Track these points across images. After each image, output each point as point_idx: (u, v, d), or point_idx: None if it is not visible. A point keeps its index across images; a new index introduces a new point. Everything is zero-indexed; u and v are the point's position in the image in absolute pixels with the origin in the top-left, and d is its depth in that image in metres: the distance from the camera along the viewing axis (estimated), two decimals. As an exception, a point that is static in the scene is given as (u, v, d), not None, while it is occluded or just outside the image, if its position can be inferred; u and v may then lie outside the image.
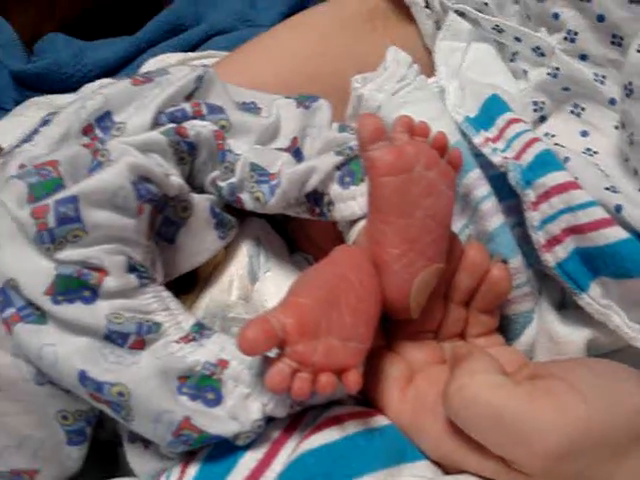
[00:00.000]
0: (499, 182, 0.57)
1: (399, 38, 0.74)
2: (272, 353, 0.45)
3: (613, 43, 0.57)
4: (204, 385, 0.47)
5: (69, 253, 0.46)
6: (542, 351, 0.57)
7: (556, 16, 0.61)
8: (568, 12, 0.60)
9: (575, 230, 0.52)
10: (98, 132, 0.55)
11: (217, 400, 0.47)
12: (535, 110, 0.63)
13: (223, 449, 0.47)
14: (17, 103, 1.06)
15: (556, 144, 0.59)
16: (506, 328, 0.57)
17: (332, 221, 0.56)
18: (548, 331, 0.56)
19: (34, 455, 0.52)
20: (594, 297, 0.52)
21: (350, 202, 0.53)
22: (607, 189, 0.52)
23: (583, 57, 0.60)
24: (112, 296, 0.47)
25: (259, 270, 0.58)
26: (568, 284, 0.53)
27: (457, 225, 0.57)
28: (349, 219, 0.54)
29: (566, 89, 0.62)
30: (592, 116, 0.60)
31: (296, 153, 0.58)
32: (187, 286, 0.57)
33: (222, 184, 0.56)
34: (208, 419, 0.46)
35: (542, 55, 0.63)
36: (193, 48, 1.06)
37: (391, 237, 0.48)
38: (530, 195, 0.53)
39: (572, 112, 0.63)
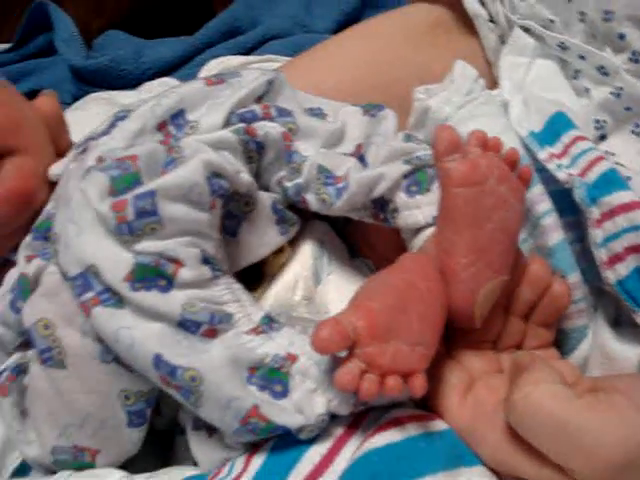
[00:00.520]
0: (560, 198, 0.58)
1: (461, 50, 0.75)
2: (341, 352, 0.47)
3: (679, 66, 0.58)
4: (272, 377, 0.49)
5: (147, 245, 0.49)
6: (595, 366, 0.58)
7: (622, 36, 0.62)
8: (634, 33, 0.61)
9: (637, 249, 0.53)
10: (172, 129, 0.57)
11: (284, 393, 0.49)
12: (596, 128, 0.64)
13: (287, 443, 0.49)
14: (75, 97, 1.10)
15: (616, 163, 0.60)
16: (561, 342, 0.58)
17: (394, 228, 0.58)
18: (602, 347, 0.57)
19: (95, 435, 0.54)
20: (652, 315, 0.53)
21: (415, 211, 0.55)
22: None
23: (647, 78, 0.61)
24: (187, 286, 0.49)
25: (322, 272, 0.60)
26: (627, 302, 0.54)
27: (517, 238, 0.58)
28: (413, 227, 0.55)
29: (628, 109, 0.63)
30: (653, 136, 0.61)
31: (360, 160, 0.59)
32: (253, 283, 0.58)
33: (288, 184, 0.58)
34: (275, 409, 0.48)
35: (606, 74, 0.64)
36: (249, 51, 1.08)
37: (460, 247, 0.49)
38: (594, 212, 0.55)
39: (633, 132, 0.64)
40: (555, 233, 0.56)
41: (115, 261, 0.48)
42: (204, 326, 0.49)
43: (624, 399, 0.45)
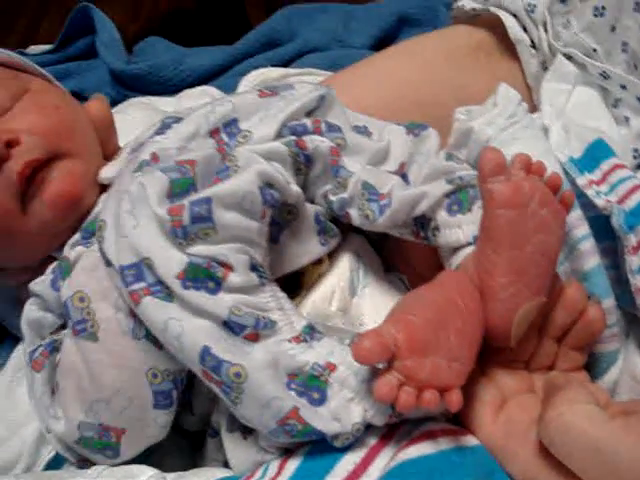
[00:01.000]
0: (597, 224, 0.59)
1: (501, 73, 0.76)
2: (379, 364, 0.48)
3: None
4: (311, 384, 0.50)
5: (200, 248, 0.51)
6: (624, 390, 0.59)
7: (663, 68, 0.63)
8: (675, 65, 0.62)
9: (673, 278, 0.54)
10: (224, 136, 0.59)
11: (321, 400, 0.50)
12: (635, 157, 0.65)
13: (322, 449, 0.50)
14: (113, 100, 1.11)
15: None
16: (592, 365, 0.59)
17: (432, 245, 0.59)
18: (632, 372, 0.58)
19: (121, 413, 0.55)
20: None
21: (456, 229, 0.56)
22: None
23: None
24: (234, 291, 0.51)
25: (358, 285, 0.61)
26: (661, 329, 0.55)
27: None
28: (453, 246, 0.57)
29: (667, 140, 0.64)
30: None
31: (402, 177, 0.61)
32: (291, 292, 0.59)
33: (333, 198, 0.59)
34: (314, 414, 0.49)
35: (646, 104, 0.65)
36: (287, 63, 1.10)
37: (500, 267, 0.50)
38: (631, 240, 0.55)
39: (671, 162, 0.65)
40: (592, 258, 0.57)
41: (169, 259, 0.50)
42: (248, 329, 0.51)
43: None
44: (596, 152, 0.60)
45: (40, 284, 0.60)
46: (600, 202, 0.58)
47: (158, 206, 0.51)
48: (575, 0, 0.70)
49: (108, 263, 0.55)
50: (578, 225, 0.58)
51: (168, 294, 0.51)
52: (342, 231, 0.62)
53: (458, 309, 0.50)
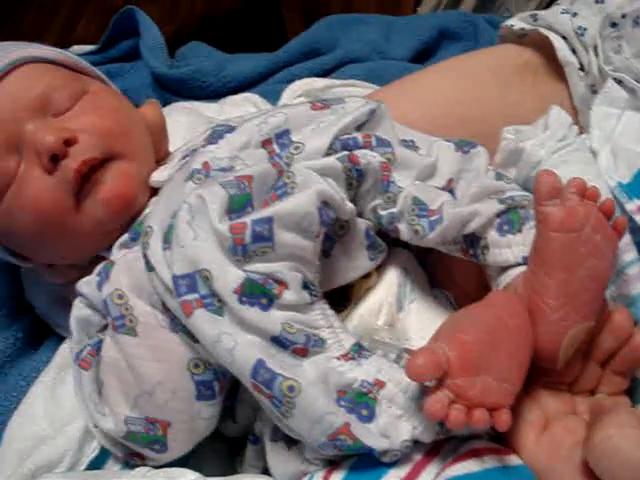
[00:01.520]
0: (644, 249, 0.59)
1: (547, 94, 0.77)
2: (428, 382, 0.49)
3: None
4: (360, 401, 0.51)
5: (257, 266, 0.51)
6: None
7: None
8: None
9: None
10: (276, 147, 0.60)
11: (370, 417, 0.51)
12: (682, 184, 0.65)
13: (367, 463, 0.51)
14: (153, 102, 1.13)
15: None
16: (633, 390, 0.59)
17: (480, 264, 0.59)
18: (674, 399, 0.58)
19: (165, 405, 0.56)
20: None
21: (505, 249, 0.56)
22: None
23: None
24: (286, 308, 0.52)
25: (405, 299, 0.62)
26: None
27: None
28: (501, 265, 0.57)
29: None
30: None
31: (449, 193, 0.61)
32: (340, 304, 0.60)
33: (382, 212, 0.60)
34: (364, 431, 0.50)
35: (695, 131, 0.65)
36: (327, 72, 1.10)
37: (552, 289, 0.51)
38: (679, 267, 0.56)
39: None
40: (639, 283, 0.57)
41: (227, 273, 0.51)
42: (298, 345, 0.51)
43: None
44: (645, 178, 0.61)
45: (87, 285, 0.61)
46: (648, 228, 0.58)
47: (219, 222, 0.51)
48: (627, 25, 0.70)
49: (150, 269, 0.56)
50: (626, 250, 0.58)
51: (219, 307, 0.52)
52: (388, 245, 0.63)
53: (509, 330, 0.50)
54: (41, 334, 0.75)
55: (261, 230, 0.51)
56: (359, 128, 0.62)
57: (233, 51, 1.19)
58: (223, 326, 0.51)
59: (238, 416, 0.61)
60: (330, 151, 0.58)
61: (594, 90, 0.73)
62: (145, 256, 0.56)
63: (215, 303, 0.52)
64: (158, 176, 0.65)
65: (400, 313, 0.61)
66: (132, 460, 0.59)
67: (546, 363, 0.53)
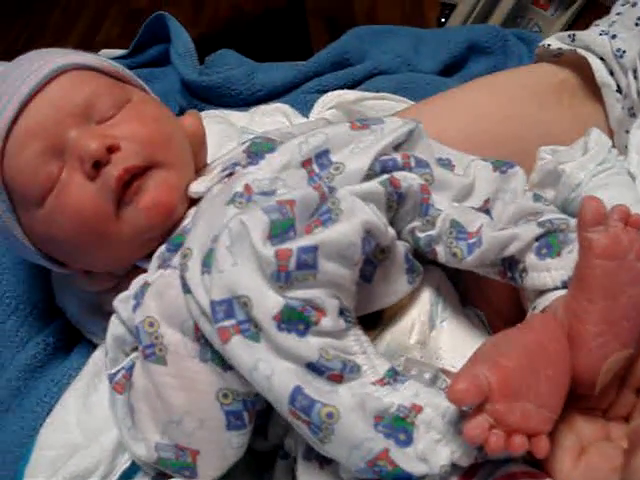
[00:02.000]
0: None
1: (584, 115, 0.77)
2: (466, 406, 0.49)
3: None
4: (397, 426, 0.51)
5: (297, 293, 0.51)
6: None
7: None
8: None
9: None
10: (315, 167, 0.60)
11: (407, 441, 0.50)
12: None
13: (405, 485, 0.51)
14: (182, 108, 1.14)
15: None
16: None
17: (517, 286, 0.59)
18: None
19: (193, 434, 0.56)
20: None
21: (544, 273, 0.56)
22: None
23: None
24: (324, 334, 0.52)
25: (437, 318, 0.62)
26: None
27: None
28: (539, 289, 0.57)
29: None
30: None
31: (485, 213, 0.61)
32: (372, 322, 0.60)
33: (420, 235, 0.60)
34: (403, 456, 0.50)
35: None
36: (356, 84, 1.10)
37: (593, 316, 0.51)
38: None
39: None
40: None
41: (267, 300, 0.51)
42: (334, 371, 0.51)
43: None
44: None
45: (123, 305, 0.61)
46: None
47: (264, 247, 0.51)
48: (667, 49, 0.70)
49: (187, 291, 0.56)
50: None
51: (256, 333, 0.51)
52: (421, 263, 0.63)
53: (548, 355, 0.50)
54: (72, 339, 0.76)
55: (306, 258, 0.51)
56: (397, 148, 0.62)
57: (256, 57, 1.20)
58: (259, 353, 0.51)
59: (270, 435, 0.61)
60: (369, 172, 0.58)
61: (632, 113, 0.72)
62: (183, 278, 0.56)
63: (252, 329, 0.51)
64: (197, 187, 0.65)
65: (432, 332, 0.61)
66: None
67: (583, 389, 0.53)
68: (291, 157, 0.60)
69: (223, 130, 0.90)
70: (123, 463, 0.61)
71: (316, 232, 0.53)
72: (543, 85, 0.79)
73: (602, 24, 0.78)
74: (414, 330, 0.60)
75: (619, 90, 0.75)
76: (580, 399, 0.55)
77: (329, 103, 0.92)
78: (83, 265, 0.67)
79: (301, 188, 0.56)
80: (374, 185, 0.56)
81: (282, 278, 0.51)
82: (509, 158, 0.67)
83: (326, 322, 0.51)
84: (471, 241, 0.57)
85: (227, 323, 0.52)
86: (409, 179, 0.59)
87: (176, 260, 0.60)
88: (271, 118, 0.94)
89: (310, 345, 0.51)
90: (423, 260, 0.63)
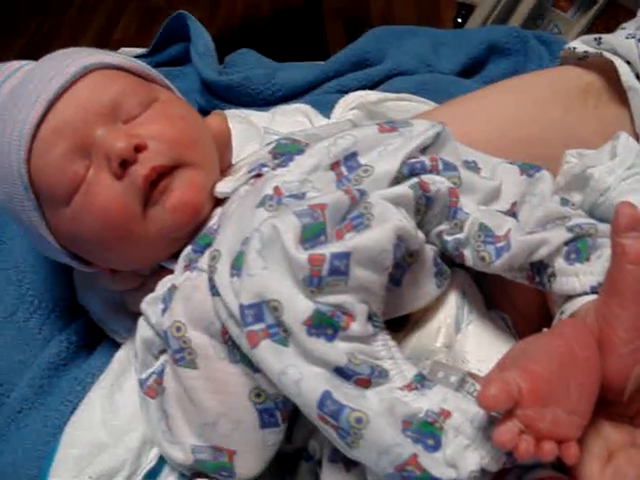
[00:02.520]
0: None
1: (608, 118, 0.76)
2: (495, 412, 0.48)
3: None
4: (425, 431, 0.50)
5: (327, 298, 0.51)
6: None
7: None
8: None
9: None
10: (343, 169, 0.60)
11: (436, 447, 0.50)
12: None
13: (432, 489, 0.51)
14: (201, 108, 1.14)
15: None
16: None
17: (545, 291, 0.59)
18: None
19: (230, 435, 0.57)
20: None
21: (572, 278, 0.56)
22: None
23: None
24: (352, 339, 0.52)
25: (462, 321, 0.61)
26: None
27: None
28: (568, 294, 0.56)
29: None
30: None
31: (512, 217, 0.61)
32: (398, 324, 0.60)
33: (448, 238, 0.60)
34: (432, 461, 0.49)
35: None
36: (376, 84, 1.10)
37: (624, 322, 0.50)
38: None
39: None
40: None
41: (297, 304, 0.51)
42: (362, 376, 0.51)
43: None
44: None
45: (151, 309, 0.62)
46: None
47: (296, 252, 0.51)
48: (695, 52, 0.69)
49: (216, 293, 0.56)
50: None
51: (285, 338, 0.51)
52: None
53: (579, 361, 0.50)
54: (95, 338, 0.76)
55: (339, 265, 0.50)
56: (424, 150, 0.62)
57: (272, 56, 1.20)
58: (288, 358, 0.51)
59: (294, 438, 0.61)
60: (398, 175, 0.58)
61: (658, 116, 0.72)
62: (211, 280, 0.56)
63: (280, 333, 0.51)
64: (223, 187, 0.65)
65: (458, 335, 0.61)
66: (199, 478, 0.60)
67: (612, 395, 0.52)
68: (320, 159, 0.60)
69: (244, 130, 0.89)
70: (148, 462, 0.61)
71: (348, 237, 0.53)
72: (569, 88, 0.78)
73: (629, 27, 0.77)
74: (440, 333, 0.60)
75: (646, 93, 0.75)
76: (608, 405, 0.54)
77: (351, 104, 0.91)
78: (108, 264, 0.68)
79: (331, 191, 0.56)
80: (404, 189, 0.56)
81: (314, 283, 0.51)
82: (533, 161, 0.66)
83: (355, 327, 0.51)
84: (499, 245, 0.57)
85: (256, 327, 0.52)
86: (438, 182, 0.59)
87: (202, 261, 0.60)
88: (292, 118, 0.94)
89: (338, 350, 0.51)
90: (448, 263, 0.63)
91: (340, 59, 1.13)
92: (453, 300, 0.62)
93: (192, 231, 0.64)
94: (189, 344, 0.57)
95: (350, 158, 0.60)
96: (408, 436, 0.50)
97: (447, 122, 0.67)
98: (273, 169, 0.62)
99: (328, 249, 0.51)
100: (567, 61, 0.82)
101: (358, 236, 0.52)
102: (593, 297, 0.55)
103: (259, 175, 0.63)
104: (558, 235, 0.56)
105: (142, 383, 0.61)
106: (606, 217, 0.60)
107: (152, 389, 0.60)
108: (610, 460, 0.52)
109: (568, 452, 0.47)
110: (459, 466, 0.49)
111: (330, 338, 0.51)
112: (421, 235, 0.57)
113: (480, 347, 0.60)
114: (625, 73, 0.74)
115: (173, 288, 0.61)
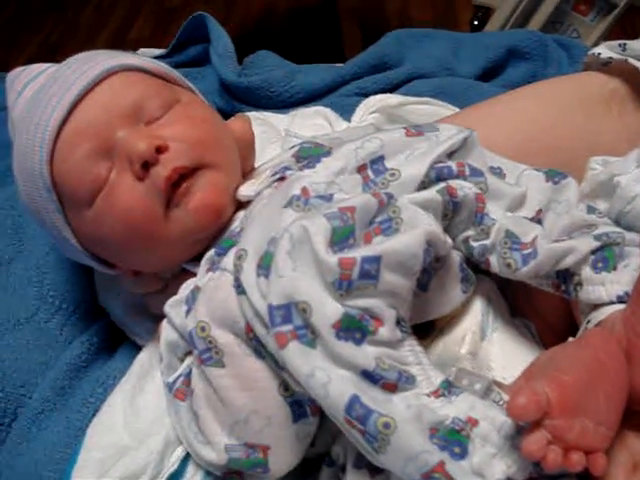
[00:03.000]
0: None
1: (633, 124, 0.76)
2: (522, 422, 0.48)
3: None
4: (452, 438, 0.50)
5: (357, 302, 0.51)
6: None
7: None
8: None
9: None
10: (370, 173, 0.60)
11: (462, 454, 0.50)
12: None
13: (457, 498, 0.50)
14: (220, 109, 1.14)
15: None
16: None
17: (571, 299, 0.58)
18: None
19: (262, 431, 0.57)
20: None
21: (599, 287, 0.56)
22: None
23: None
24: (380, 344, 0.51)
25: (487, 328, 0.61)
26: None
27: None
28: (594, 303, 0.56)
29: None
30: None
31: (538, 224, 0.61)
32: (424, 330, 0.60)
33: (474, 244, 0.59)
34: (458, 469, 0.49)
35: None
36: (394, 87, 1.10)
37: (652, 332, 0.50)
38: None
39: None
40: None
41: (326, 307, 0.50)
42: (389, 381, 0.51)
43: None
44: None
45: (174, 311, 0.62)
46: None
47: (326, 254, 0.51)
48: None
49: (242, 292, 0.56)
50: None
51: (313, 339, 0.51)
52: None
53: (607, 371, 0.49)
54: (116, 340, 0.76)
55: (369, 269, 0.50)
56: (450, 155, 0.62)
57: (288, 55, 1.20)
58: (316, 360, 0.51)
59: (317, 442, 0.61)
60: (425, 179, 0.58)
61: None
62: (237, 279, 0.56)
63: (309, 335, 0.51)
64: (246, 190, 0.65)
65: (483, 342, 0.60)
66: (231, 478, 0.60)
67: (637, 405, 0.52)
68: (347, 162, 0.60)
69: (265, 132, 0.90)
70: (170, 465, 0.61)
71: (376, 241, 0.53)
72: (592, 94, 0.78)
73: (655, 33, 0.77)
74: (465, 340, 0.60)
75: (669, 100, 0.74)
76: (633, 415, 0.54)
77: (372, 107, 0.91)
78: (130, 266, 0.68)
79: (358, 194, 0.56)
80: (433, 194, 0.56)
81: (343, 286, 0.50)
82: (556, 167, 0.66)
83: (383, 332, 0.51)
84: (525, 252, 0.57)
85: (284, 328, 0.52)
86: (465, 188, 0.58)
87: (225, 262, 0.60)
88: (311, 121, 0.94)
89: (367, 354, 0.50)
90: (473, 270, 0.63)
91: (359, 62, 1.13)
92: (478, 307, 0.61)
93: (214, 234, 0.64)
94: (215, 343, 0.57)
95: (377, 162, 0.60)
96: (435, 443, 0.50)
97: (472, 127, 0.67)
98: (300, 170, 0.61)
99: (359, 253, 0.51)
100: (590, 67, 0.81)
101: (388, 240, 0.52)
102: (620, 306, 0.54)
103: (282, 178, 0.63)
104: (585, 243, 0.56)
105: (170, 387, 0.61)
106: (633, 226, 0.60)
107: (181, 392, 0.60)
108: (636, 470, 0.52)
109: (596, 463, 0.47)
110: (486, 475, 0.49)
111: (358, 342, 0.51)
112: (449, 241, 0.57)
113: (505, 355, 0.60)
114: (648, 79, 0.74)
115: (196, 289, 0.61)
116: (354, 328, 0.50)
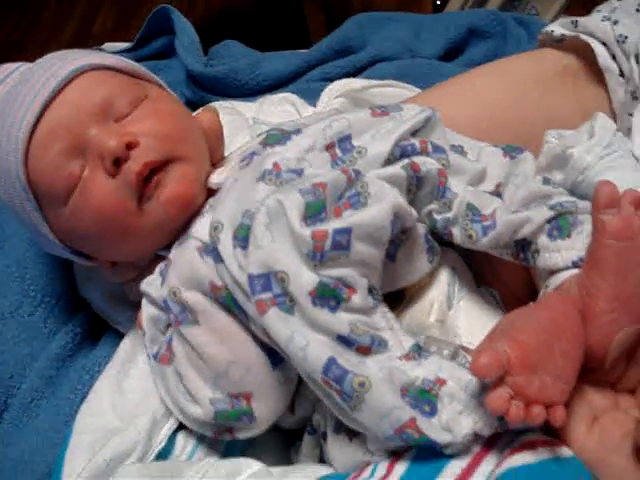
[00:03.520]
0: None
1: (587, 98, 0.79)
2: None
3: None
4: (422, 398, 0.54)
5: (331, 271, 0.54)
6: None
7: None
8: None
9: None
10: (338, 151, 0.63)
11: (432, 412, 0.54)
12: None
13: (429, 454, 0.54)
14: (188, 100, 1.16)
15: None
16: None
17: (530, 267, 0.62)
18: None
19: (242, 380, 0.60)
20: None
21: (554, 254, 0.59)
22: None
23: None
24: (353, 311, 0.55)
25: (454, 298, 0.65)
26: None
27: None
28: (551, 269, 0.59)
29: None
30: None
31: (497, 197, 0.64)
32: (393, 300, 0.63)
33: (437, 217, 0.63)
34: (429, 425, 0.53)
35: None
36: (358, 71, 1.13)
37: (604, 292, 0.54)
38: None
39: None
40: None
41: (303, 276, 0.54)
42: (363, 344, 0.54)
43: None
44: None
45: (150, 286, 0.65)
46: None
47: (300, 227, 0.54)
48: (668, 33, 0.72)
49: (220, 260, 0.59)
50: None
51: (291, 307, 0.54)
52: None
53: (563, 331, 0.53)
54: (99, 329, 0.78)
55: (340, 240, 0.54)
56: (414, 134, 0.65)
57: (253, 43, 1.21)
58: (294, 325, 0.54)
59: (297, 409, 0.64)
60: (390, 156, 0.61)
61: (635, 96, 0.75)
62: (215, 249, 0.59)
63: (287, 302, 0.54)
64: (216, 178, 0.68)
65: (450, 310, 0.64)
66: (222, 437, 0.63)
67: (594, 362, 0.56)
68: (316, 140, 0.63)
69: (233, 121, 0.92)
70: (158, 443, 0.64)
71: (346, 215, 0.56)
72: (548, 70, 0.81)
73: (604, 10, 0.80)
74: (433, 309, 0.63)
75: (622, 74, 0.77)
76: (591, 372, 0.58)
77: (336, 92, 0.93)
78: (108, 257, 0.70)
79: (327, 171, 0.59)
80: (397, 169, 0.59)
81: (317, 257, 0.54)
82: (515, 142, 0.69)
83: (356, 299, 0.54)
84: (486, 224, 0.60)
85: (264, 296, 0.55)
86: (428, 164, 0.61)
87: (193, 230, 0.64)
88: (279, 107, 0.96)
89: (341, 320, 0.54)
90: (438, 243, 0.66)
91: (322, 47, 1.16)
92: (444, 277, 0.65)
93: (187, 221, 0.66)
94: (187, 304, 0.61)
95: (344, 140, 0.63)
96: (407, 402, 0.53)
97: (434, 107, 0.69)
98: (271, 147, 0.64)
99: (330, 225, 0.54)
100: (545, 44, 0.84)
101: (357, 213, 0.55)
102: (575, 271, 0.58)
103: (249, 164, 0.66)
104: (540, 213, 0.59)
105: (155, 355, 0.64)
106: (586, 195, 0.63)
107: (165, 356, 0.64)
108: (595, 421, 0.56)
109: (555, 415, 0.51)
110: (454, 430, 0.53)
111: (333, 309, 0.54)
112: (414, 213, 0.60)
113: (471, 322, 0.63)
114: (601, 54, 0.77)
115: (168, 262, 0.64)
116: (329, 296, 0.54)
